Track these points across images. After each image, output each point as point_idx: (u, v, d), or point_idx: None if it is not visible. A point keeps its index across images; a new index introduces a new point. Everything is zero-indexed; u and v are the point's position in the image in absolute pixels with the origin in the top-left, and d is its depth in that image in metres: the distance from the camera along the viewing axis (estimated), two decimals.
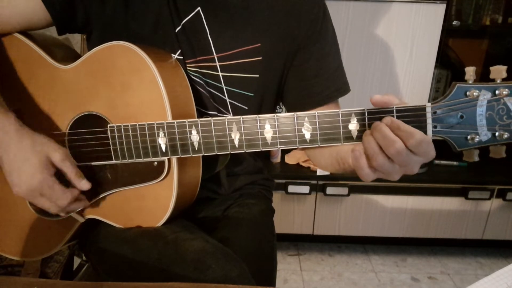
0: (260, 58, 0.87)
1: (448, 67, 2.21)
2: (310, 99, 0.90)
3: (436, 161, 2.18)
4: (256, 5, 0.86)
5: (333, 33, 0.91)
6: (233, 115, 0.90)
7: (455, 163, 2.15)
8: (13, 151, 0.75)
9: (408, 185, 2.04)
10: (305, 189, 2.02)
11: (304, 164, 2.08)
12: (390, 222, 2.13)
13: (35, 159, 0.76)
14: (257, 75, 0.88)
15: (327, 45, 0.90)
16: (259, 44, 0.86)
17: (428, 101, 2.12)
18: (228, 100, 0.89)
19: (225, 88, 0.88)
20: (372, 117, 0.65)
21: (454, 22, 2.03)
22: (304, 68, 0.90)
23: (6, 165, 0.76)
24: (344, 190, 2.02)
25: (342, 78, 0.92)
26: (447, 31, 1.96)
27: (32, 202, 0.81)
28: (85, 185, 0.81)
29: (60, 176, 0.79)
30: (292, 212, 2.11)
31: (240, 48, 0.86)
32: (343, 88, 0.91)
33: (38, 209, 0.87)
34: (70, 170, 0.79)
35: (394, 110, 0.64)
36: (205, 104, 0.89)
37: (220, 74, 0.87)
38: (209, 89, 0.88)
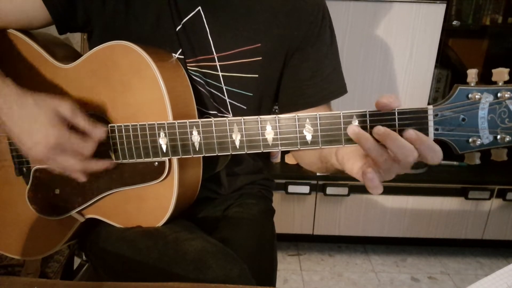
0: (260, 58, 0.87)
1: (448, 67, 2.21)
2: (303, 100, 0.90)
3: None
4: (257, 6, 0.86)
5: (332, 35, 0.92)
6: (233, 115, 0.90)
7: (455, 163, 2.15)
8: (17, 114, 0.72)
9: (408, 185, 2.05)
10: (305, 189, 2.02)
11: None
12: (390, 222, 2.13)
13: (44, 116, 0.72)
14: (257, 75, 0.88)
15: (325, 47, 0.90)
16: (259, 45, 0.86)
17: (428, 101, 2.12)
18: (227, 100, 0.89)
19: (225, 88, 0.88)
20: (373, 118, 0.64)
21: (454, 22, 2.03)
22: (300, 69, 0.90)
23: (13, 130, 0.73)
24: (344, 190, 2.02)
25: (338, 81, 0.92)
26: (447, 31, 1.96)
27: (53, 164, 0.75)
28: (101, 130, 0.76)
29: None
30: (292, 212, 2.11)
31: (240, 48, 0.86)
32: (338, 90, 0.91)
33: (39, 209, 0.87)
34: (82, 119, 0.74)
35: (396, 113, 0.63)
36: (205, 104, 0.89)
37: (220, 73, 0.87)
38: (209, 88, 0.89)
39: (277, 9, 0.87)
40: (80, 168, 0.76)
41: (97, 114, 0.82)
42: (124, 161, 0.80)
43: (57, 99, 0.74)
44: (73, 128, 0.75)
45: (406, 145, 0.60)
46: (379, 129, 0.62)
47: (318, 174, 2.01)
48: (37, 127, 0.72)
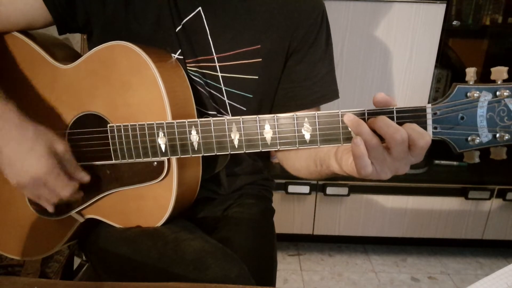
0: (260, 59, 0.87)
1: (448, 67, 2.21)
2: (294, 102, 0.91)
3: (436, 161, 2.18)
4: (257, 7, 0.86)
5: (328, 39, 0.92)
6: (232, 116, 0.90)
7: (455, 163, 2.15)
8: (17, 140, 0.74)
9: (408, 185, 2.04)
10: (305, 189, 2.02)
11: None
12: (390, 222, 2.13)
13: (41, 148, 0.75)
14: (257, 77, 0.88)
15: (320, 50, 0.90)
16: (259, 46, 0.87)
17: (428, 101, 2.12)
18: (227, 101, 0.89)
19: (224, 89, 0.88)
20: (372, 117, 0.64)
21: (454, 22, 2.03)
22: (294, 71, 0.90)
23: (6, 155, 0.74)
24: (344, 190, 2.02)
25: (331, 85, 0.92)
26: (447, 31, 1.96)
27: (30, 194, 0.80)
28: (85, 177, 0.81)
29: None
30: (292, 212, 2.11)
31: (239, 49, 0.86)
32: (329, 95, 0.92)
33: (39, 209, 0.87)
34: (71, 161, 0.79)
35: (394, 111, 0.63)
36: (205, 104, 0.89)
37: (219, 74, 0.87)
38: (208, 89, 0.89)
39: (277, 10, 0.87)
40: (50, 204, 0.82)
41: (97, 114, 0.82)
42: (123, 161, 0.80)
43: (56, 136, 0.77)
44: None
45: (392, 123, 0.60)
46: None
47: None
48: (31, 157, 0.74)
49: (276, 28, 0.87)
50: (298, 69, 0.90)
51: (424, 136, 0.60)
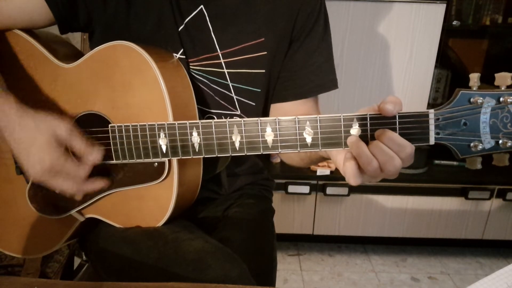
0: (265, 52, 0.87)
1: (448, 67, 2.21)
2: (292, 90, 0.90)
3: (436, 161, 2.18)
4: (258, 0, 0.86)
5: (326, 28, 0.91)
6: (241, 111, 0.90)
7: (455, 163, 2.15)
8: (18, 134, 0.73)
9: (408, 185, 2.05)
10: (305, 189, 2.02)
11: None
12: (390, 222, 2.13)
13: (41, 139, 0.73)
14: (263, 70, 0.88)
15: (317, 39, 0.90)
16: (263, 39, 0.86)
17: (428, 101, 2.12)
18: (235, 97, 0.89)
19: (231, 85, 0.88)
20: (374, 122, 0.64)
21: (454, 22, 2.04)
22: (292, 59, 0.90)
23: (15, 149, 0.74)
24: (344, 190, 2.02)
25: (329, 75, 0.92)
26: (447, 31, 1.96)
27: (50, 185, 0.76)
28: (96, 156, 0.77)
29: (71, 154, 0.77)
30: (292, 212, 2.11)
31: (244, 44, 0.86)
32: (327, 84, 0.91)
33: (39, 208, 0.87)
34: (78, 140, 0.75)
35: (397, 116, 0.63)
36: (208, 104, 0.89)
37: (225, 71, 0.87)
38: (214, 87, 0.88)
39: (279, 2, 0.87)
40: (75, 190, 0.77)
41: (98, 113, 0.82)
42: (124, 161, 0.80)
43: (56, 120, 0.74)
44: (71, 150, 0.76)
45: (386, 152, 0.61)
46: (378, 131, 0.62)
47: (318, 174, 2.01)
48: (34, 149, 0.73)
49: (278, 20, 0.87)
50: (295, 57, 0.90)
51: (405, 149, 0.61)
